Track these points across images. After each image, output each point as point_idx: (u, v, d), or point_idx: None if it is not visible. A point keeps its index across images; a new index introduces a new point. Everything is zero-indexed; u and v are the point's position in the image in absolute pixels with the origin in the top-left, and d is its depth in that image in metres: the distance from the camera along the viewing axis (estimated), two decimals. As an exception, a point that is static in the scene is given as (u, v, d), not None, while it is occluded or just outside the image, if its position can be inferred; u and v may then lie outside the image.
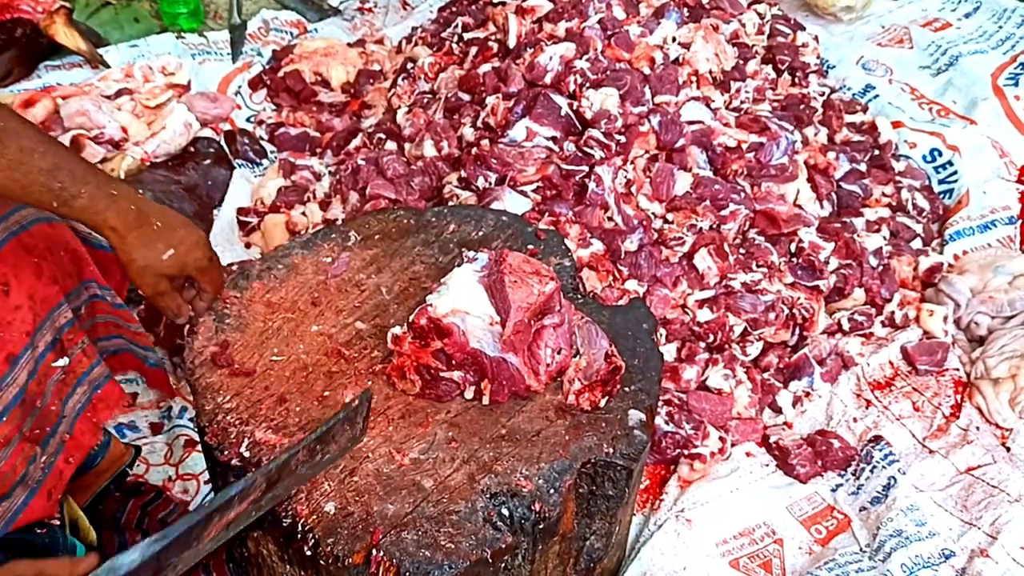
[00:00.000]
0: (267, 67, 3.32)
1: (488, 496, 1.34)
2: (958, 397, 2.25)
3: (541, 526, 1.36)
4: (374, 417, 1.44)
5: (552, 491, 1.36)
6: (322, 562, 1.28)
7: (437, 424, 1.44)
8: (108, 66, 3.21)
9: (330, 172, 2.77)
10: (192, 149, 2.87)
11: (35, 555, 1.45)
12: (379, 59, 3.29)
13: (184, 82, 3.11)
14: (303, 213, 2.61)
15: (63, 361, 1.49)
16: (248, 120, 3.13)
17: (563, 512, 1.39)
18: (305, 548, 1.29)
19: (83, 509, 1.76)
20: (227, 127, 3.02)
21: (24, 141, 1.30)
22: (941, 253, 2.59)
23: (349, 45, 3.43)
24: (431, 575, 1.25)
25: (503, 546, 1.29)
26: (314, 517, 1.30)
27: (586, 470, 1.43)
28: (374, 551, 1.26)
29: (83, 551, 1.54)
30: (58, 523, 1.60)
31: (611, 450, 1.43)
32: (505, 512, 1.34)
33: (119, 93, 2.94)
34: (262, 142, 3.01)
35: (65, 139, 2.65)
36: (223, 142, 2.96)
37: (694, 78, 2.53)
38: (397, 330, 1.48)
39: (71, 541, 1.56)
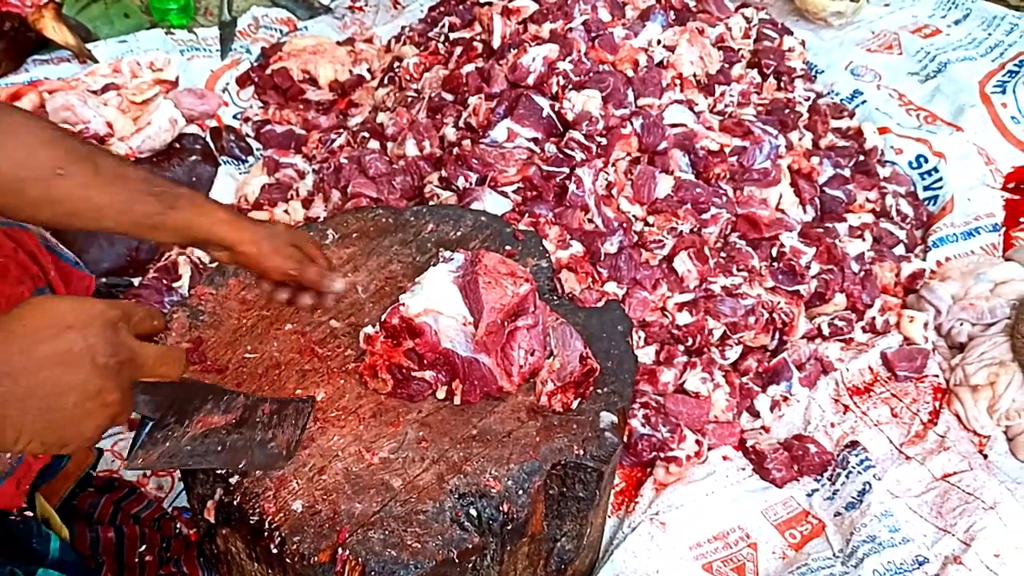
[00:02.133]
0: (255, 64, 3.32)
1: (456, 496, 1.34)
2: (937, 403, 2.25)
3: (509, 527, 1.36)
4: (345, 415, 1.44)
5: (521, 492, 1.36)
6: (288, 560, 1.27)
7: (408, 424, 1.44)
8: (96, 61, 3.20)
9: (313, 170, 2.77)
10: (177, 145, 2.87)
11: (11, 540, 1.45)
12: (368, 58, 3.29)
13: (172, 78, 3.11)
14: (286, 211, 2.61)
15: None
16: (235, 117, 3.12)
17: (532, 513, 1.39)
18: (271, 546, 1.28)
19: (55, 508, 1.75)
20: (213, 124, 3.02)
21: (112, 158, 1.31)
22: (924, 259, 2.59)
23: (338, 43, 3.43)
24: (396, 574, 1.25)
25: (470, 546, 1.29)
26: (281, 515, 1.30)
27: (556, 471, 1.42)
28: (340, 550, 1.25)
29: (57, 542, 1.54)
30: (31, 515, 1.60)
31: (581, 452, 1.43)
32: (473, 512, 1.33)
33: (105, 88, 2.94)
34: (248, 139, 3.01)
35: (49, 133, 2.64)
36: (209, 139, 2.95)
37: (678, 81, 2.54)
38: (369, 329, 1.48)
39: (45, 531, 1.56)
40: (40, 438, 0.94)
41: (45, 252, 1.55)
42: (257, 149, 2.99)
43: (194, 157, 2.85)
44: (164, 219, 1.33)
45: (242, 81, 3.25)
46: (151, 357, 1.02)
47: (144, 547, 1.79)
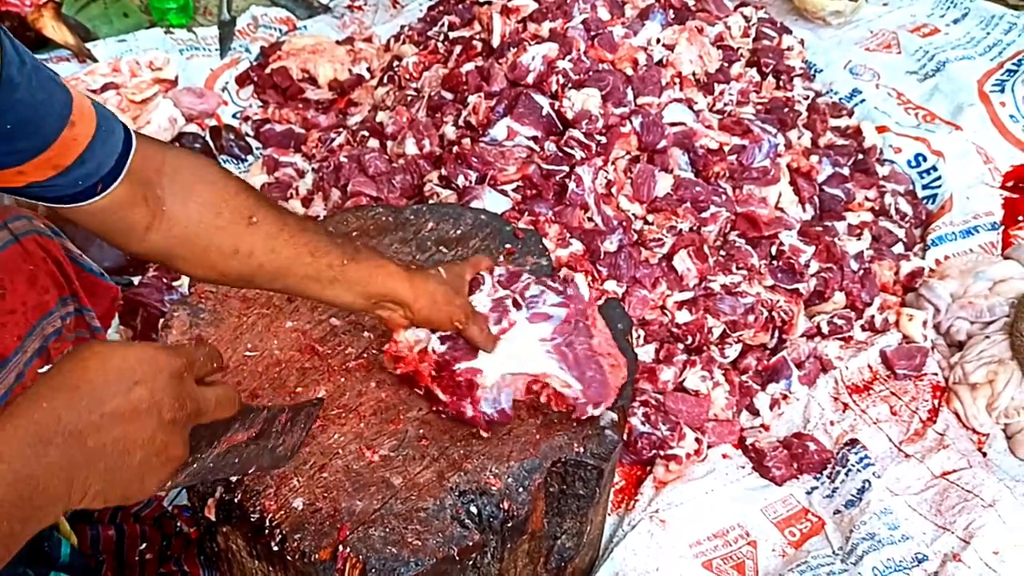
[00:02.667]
0: (255, 63, 3.32)
1: (457, 494, 1.34)
2: (936, 402, 2.26)
3: (510, 524, 1.36)
4: (345, 413, 1.44)
5: (521, 489, 1.37)
6: (289, 558, 1.28)
7: (408, 421, 1.44)
8: (95, 60, 3.21)
9: (313, 169, 2.77)
10: (177, 144, 2.87)
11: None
12: (367, 57, 3.29)
13: (171, 77, 3.11)
14: (285, 210, 2.60)
15: (48, 368, 1.49)
16: (234, 116, 3.13)
17: (532, 511, 1.40)
18: (272, 544, 1.29)
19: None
20: (213, 123, 3.02)
21: (292, 212, 1.33)
22: (923, 258, 2.59)
23: (337, 43, 3.43)
24: (397, 572, 1.25)
25: (470, 544, 1.30)
26: (282, 513, 1.30)
27: (556, 469, 1.43)
28: (340, 547, 1.26)
29: (68, 547, 1.55)
30: None
31: (582, 449, 1.43)
32: (473, 510, 1.34)
33: (105, 87, 2.94)
34: (248, 138, 3.01)
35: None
36: (208, 138, 2.95)
37: (677, 80, 2.54)
38: (438, 346, 1.44)
39: (57, 536, 1.57)
40: (104, 496, 0.90)
41: (69, 263, 1.56)
42: (257, 148, 2.99)
43: (194, 156, 2.85)
44: (345, 271, 1.32)
45: (241, 80, 3.25)
46: (212, 403, 1.00)
47: (144, 545, 1.79)
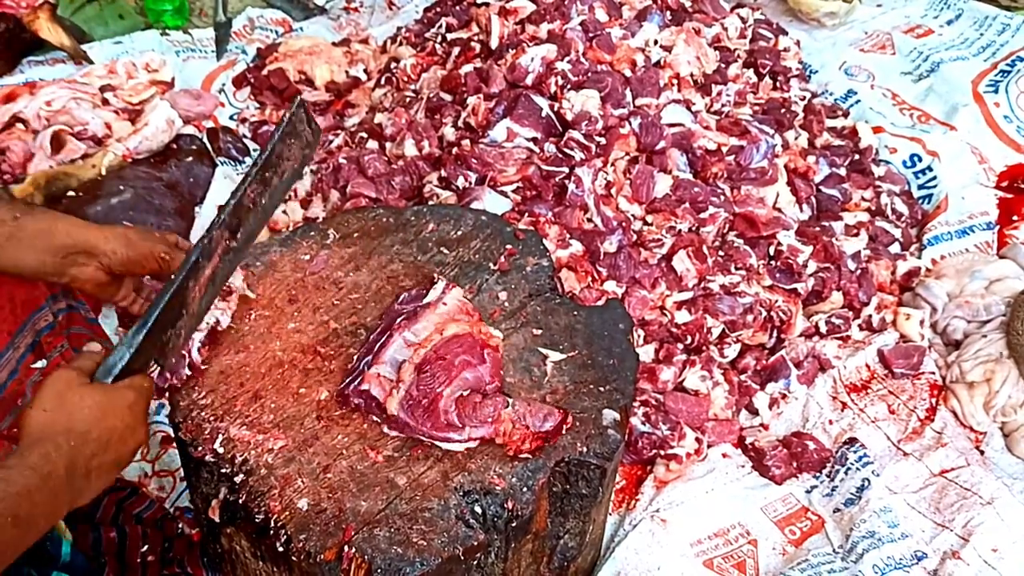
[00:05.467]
0: (251, 65, 3.32)
1: (461, 494, 1.34)
2: (933, 400, 2.27)
3: (514, 524, 1.37)
4: (349, 413, 1.45)
5: (525, 489, 1.37)
6: (294, 558, 1.28)
7: (412, 422, 1.45)
8: (91, 62, 3.20)
9: (311, 171, 2.77)
10: (175, 146, 2.86)
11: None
12: (364, 58, 3.29)
13: (168, 79, 3.11)
14: (284, 211, 2.61)
15: (41, 363, 1.50)
16: (231, 118, 3.13)
17: (536, 510, 1.40)
18: (277, 544, 1.29)
19: None
20: (210, 124, 3.02)
21: None
22: (919, 258, 2.60)
23: (334, 44, 3.43)
24: (402, 572, 1.25)
25: (475, 543, 1.30)
26: (287, 513, 1.30)
27: (560, 469, 1.43)
28: (346, 548, 1.26)
29: (68, 545, 1.55)
30: None
31: (585, 449, 1.44)
32: (478, 510, 1.34)
33: (102, 89, 2.93)
34: (245, 140, 3.01)
35: (46, 135, 2.65)
36: (206, 139, 2.95)
37: (675, 81, 2.55)
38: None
39: (56, 534, 1.57)
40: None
41: None
42: (254, 150, 2.99)
43: (191, 158, 2.85)
44: (21, 224, 1.31)
45: (238, 82, 3.25)
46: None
47: (146, 547, 1.79)
